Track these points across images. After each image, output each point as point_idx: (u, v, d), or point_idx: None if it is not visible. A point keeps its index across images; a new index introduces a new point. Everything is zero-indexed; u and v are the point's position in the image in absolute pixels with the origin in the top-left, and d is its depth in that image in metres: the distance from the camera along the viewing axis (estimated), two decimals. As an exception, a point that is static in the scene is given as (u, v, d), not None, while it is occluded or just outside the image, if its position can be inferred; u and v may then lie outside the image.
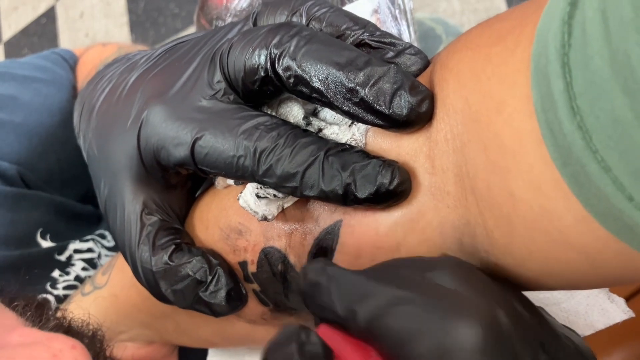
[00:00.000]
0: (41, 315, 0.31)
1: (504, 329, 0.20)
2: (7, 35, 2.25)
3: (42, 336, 0.28)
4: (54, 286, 0.47)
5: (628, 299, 0.42)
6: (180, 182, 0.34)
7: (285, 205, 0.29)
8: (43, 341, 0.27)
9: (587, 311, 0.36)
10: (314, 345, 0.22)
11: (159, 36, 1.86)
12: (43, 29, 2.16)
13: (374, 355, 0.22)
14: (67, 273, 0.48)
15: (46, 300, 0.35)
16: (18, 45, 2.22)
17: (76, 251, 0.49)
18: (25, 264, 0.45)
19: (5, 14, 2.28)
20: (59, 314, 0.33)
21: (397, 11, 0.38)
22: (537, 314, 0.23)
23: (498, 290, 0.23)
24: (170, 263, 0.31)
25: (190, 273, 0.31)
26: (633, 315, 0.35)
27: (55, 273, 0.47)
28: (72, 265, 0.48)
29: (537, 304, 0.38)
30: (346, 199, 0.26)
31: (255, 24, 0.32)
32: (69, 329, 0.32)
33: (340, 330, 0.23)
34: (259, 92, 0.29)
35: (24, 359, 0.26)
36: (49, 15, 2.16)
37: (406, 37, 0.38)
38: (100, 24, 2.02)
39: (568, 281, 0.24)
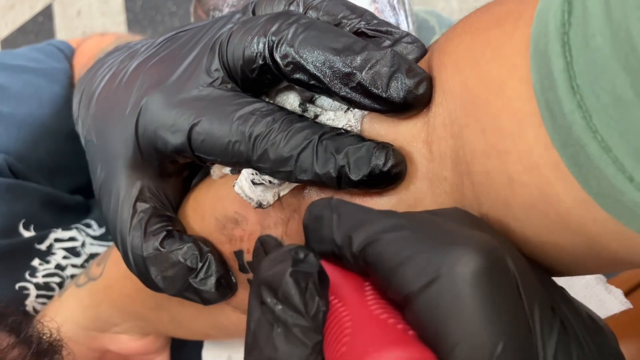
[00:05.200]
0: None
1: (509, 268, 0.19)
2: (4, 33, 2.25)
3: None
4: (33, 275, 0.47)
5: (628, 293, 0.41)
6: (176, 171, 0.34)
7: (282, 193, 0.29)
8: None
9: (585, 302, 0.35)
10: (310, 266, 0.21)
11: (157, 34, 1.85)
12: (40, 27, 2.16)
13: (368, 289, 0.22)
14: (47, 262, 0.48)
15: (20, 314, 0.36)
16: (15, 43, 2.21)
17: (57, 240, 0.49)
18: (5, 253, 0.45)
19: (2, 12, 2.27)
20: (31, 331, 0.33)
21: (395, 1, 0.38)
22: (550, 282, 0.22)
23: (508, 243, 0.22)
24: (161, 249, 0.31)
25: (181, 260, 0.31)
26: (630, 306, 0.35)
27: (35, 262, 0.47)
28: (53, 254, 0.48)
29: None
30: (340, 181, 0.26)
31: (254, 13, 0.32)
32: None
33: (338, 265, 0.23)
34: (257, 81, 0.29)
35: None
36: (46, 14, 2.16)
37: (404, 28, 0.38)
38: (98, 22, 2.01)
39: (565, 266, 0.23)
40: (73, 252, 0.50)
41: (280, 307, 0.20)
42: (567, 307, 0.21)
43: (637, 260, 0.21)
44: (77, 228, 0.51)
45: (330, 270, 0.22)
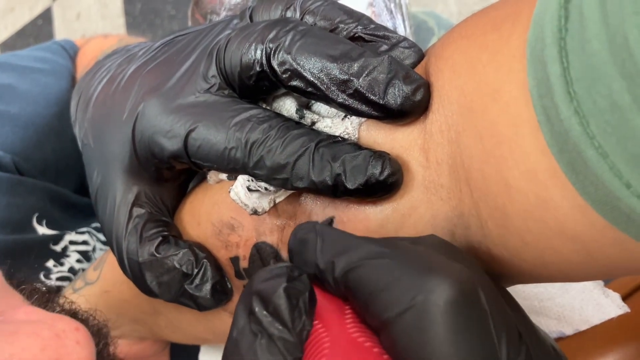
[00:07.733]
0: (47, 301, 0.32)
1: (481, 299, 0.20)
2: (4, 36, 2.25)
3: (46, 316, 0.28)
4: (47, 276, 0.46)
5: (625, 297, 0.41)
6: (172, 176, 0.34)
7: (277, 200, 0.29)
8: (47, 320, 0.27)
9: (582, 306, 0.36)
10: (303, 285, 0.21)
11: (156, 38, 1.86)
12: (39, 31, 2.16)
13: (348, 312, 0.22)
14: (62, 264, 0.47)
15: (52, 288, 0.35)
16: (14, 47, 2.21)
17: (72, 242, 0.49)
18: (20, 249, 0.45)
19: (2, 15, 2.27)
20: (63, 301, 0.33)
21: (392, 5, 0.38)
22: (519, 310, 0.23)
23: (480, 272, 0.22)
24: (157, 255, 0.31)
25: (177, 265, 0.31)
26: (628, 310, 0.35)
27: (50, 263, 0.47)
28: (67, 256, 0.48)
29: (531, 298, 0.38)
30: (336, 190, 0.26)
31: (251, 18, 0.32)
32: (74, 315, 0.32)
33: (320, 288, 0.24)
34: (255, 87, 0.28)
35: (27, 335, 0.26)
36: (46, 17, 2.16)
37: (401, 31, 0.38)
38: (97, 26, 2.02)
39: (563, 272, 0.23)
40: (85, 256, 0.49)
41: (268, 319, 0.20)
42: (532, 336, 0.22)
43: (635, 267, 0.21)
44: (89, 232, 0.51)
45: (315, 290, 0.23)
